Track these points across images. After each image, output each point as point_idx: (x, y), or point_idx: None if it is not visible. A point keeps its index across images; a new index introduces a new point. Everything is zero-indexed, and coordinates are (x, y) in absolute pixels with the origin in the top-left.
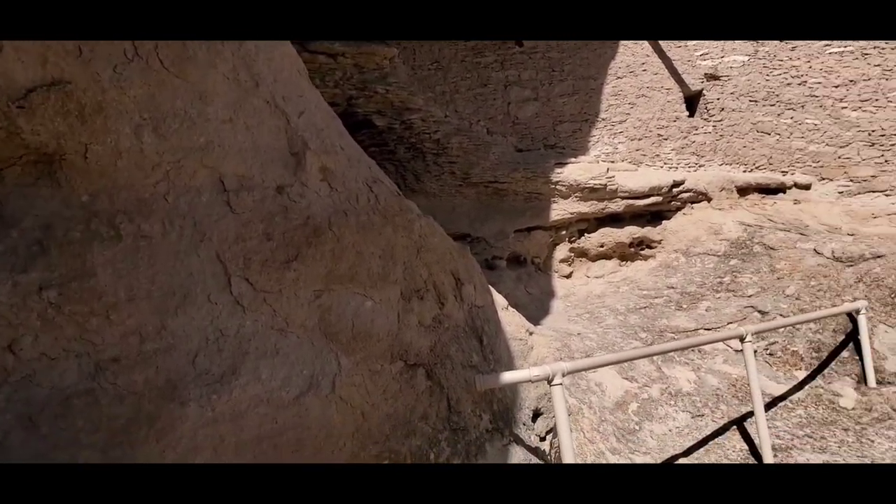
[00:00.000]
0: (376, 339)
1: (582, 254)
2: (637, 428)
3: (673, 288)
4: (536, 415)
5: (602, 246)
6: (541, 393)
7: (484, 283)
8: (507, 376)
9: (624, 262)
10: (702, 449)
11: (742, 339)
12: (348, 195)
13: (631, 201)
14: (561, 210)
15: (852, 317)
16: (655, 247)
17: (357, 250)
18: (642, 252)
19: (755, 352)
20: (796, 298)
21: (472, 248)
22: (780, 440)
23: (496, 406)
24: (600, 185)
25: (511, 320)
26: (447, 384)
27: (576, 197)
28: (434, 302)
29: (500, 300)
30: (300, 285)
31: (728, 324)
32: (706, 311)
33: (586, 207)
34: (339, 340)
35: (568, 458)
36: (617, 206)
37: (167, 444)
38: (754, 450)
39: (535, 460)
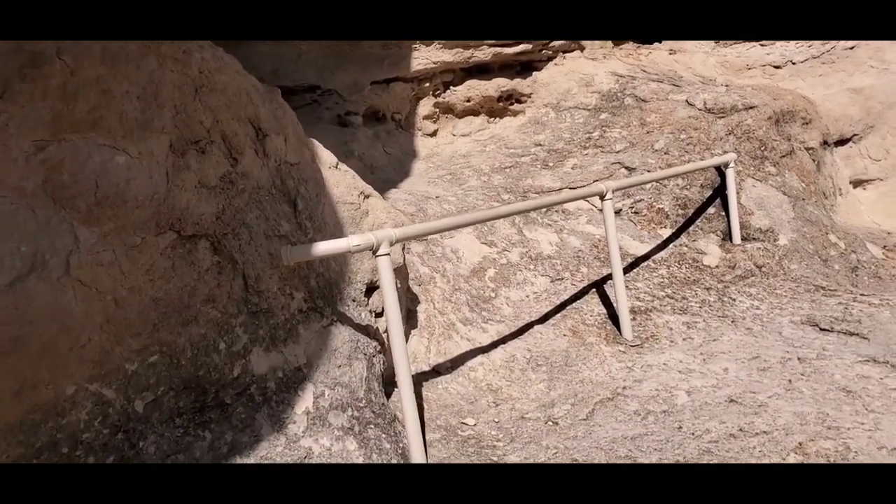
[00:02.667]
0: (134, 204)
1: (448, 109)
2: (493, 295)
3: (541, 145)
4: (372, 289)
5: (469, 100)
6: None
7: (301, 135)
8: (321, 247)
9: (493, 119)
10: (559, 314)
11: (602, 197)
12: None
13: (499, 49)
14: (423, 59)
15: (721, 171)
16: (525, 101)
17: (102, 88)
18: (512, 107)
19: (619, 211)
20: (665, 153)
21: (322, 102)
22: (641, 302)
23: (314, 282)
24: None
25: (340, 180)
26: (242, 259)
27: (439, 44)
28: (223, 157)
29: (326, 157)
30: (11, 133)
31: (594, 181)
32: (572, 168)
33: (451, 56)
34: (76, 207)
35: (396, 336)
36: (484, 54)
37: None
38: (613, 313)
39: (363, 339)
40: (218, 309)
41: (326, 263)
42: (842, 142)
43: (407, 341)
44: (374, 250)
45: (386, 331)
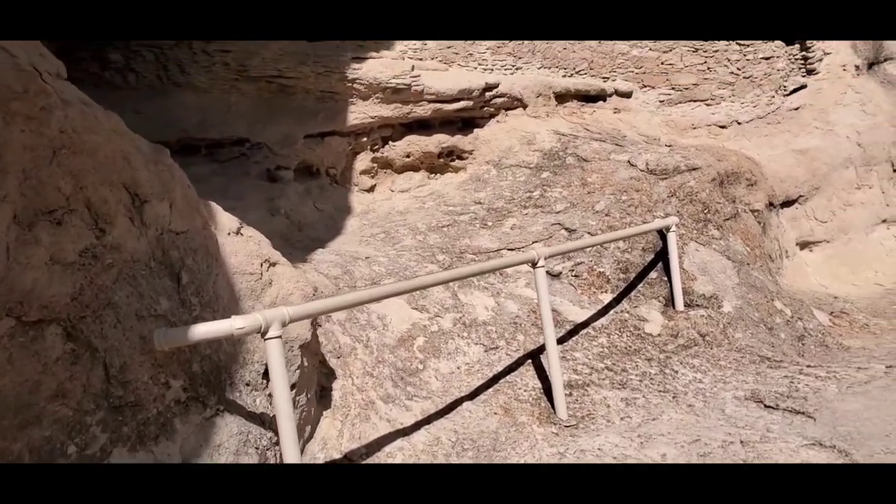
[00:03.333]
0: None
1: (386, 164)
2: (420, 367)
3: (480, 203)
4: None
5: (408, 156)
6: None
7: (192, 199)
8: (199, 330)
9: (433, 175)
10: (491, 389)
11: (534, 265)
12: None
13: (439, 105)
14: (360, 113)
15: (663, 234)
16: (466, 157)
17: None
18: (452, 163)
19: (559, 274)
20: (606, 214)
21: (251, 156)
22: (578, 375)
23: (198, 366)
24: (404, 85)
25: (240, 248)
26: (104, 345)
27: (377, 98)
28: (85, 227)
29: (225, 221)
30: None
31: (533, 242)
32: (511, 229)
33: (389, 111)
34: None
35: (286, 431)
36: (424, 110)
37: None
38: (549, 387)
39: (255, 430)
40: (69, 406)
41: (216, 344)
42: (788, 203)
43: (317, 425)
44: (262, 333)
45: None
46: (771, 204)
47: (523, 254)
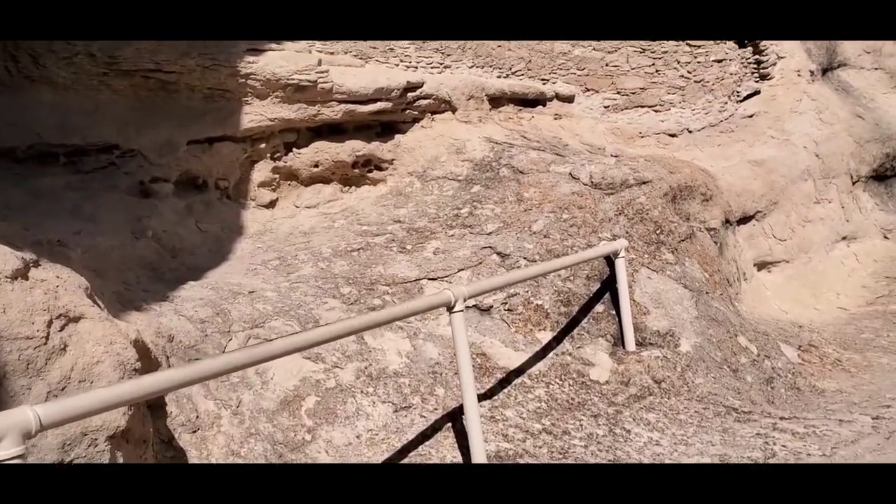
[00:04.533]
0: None
1: (291, 175)
2: (308, 439)
3: (400, 222)
4: None
5: (316, 165)
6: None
7: None
8: None
9: (347, 188)
10: (397, 464)
11: (450, 308)
12: None
13: (352, 106)
14: (257, 115)
15: (610, 260)
16: (386, 168)
17: None
18: (370, 174)
19: (490, 308)
20: (544, 236)
21: (121, 166)
22: (509, 443)
23: None
24: (309, 81)
25: (15, 301)
26: None
27: (277, 97)
28: None
29: None
30: None
31: (458, 271)
32: (434, 253)
33: (292, 112)
34: None
35: None
36: (334, 112)
37: None
38: (470, 460)
39: None
40: None
41: None
42: (744, 220)
43: None
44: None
45: None
46: (727, 221)
47: (435, 296)
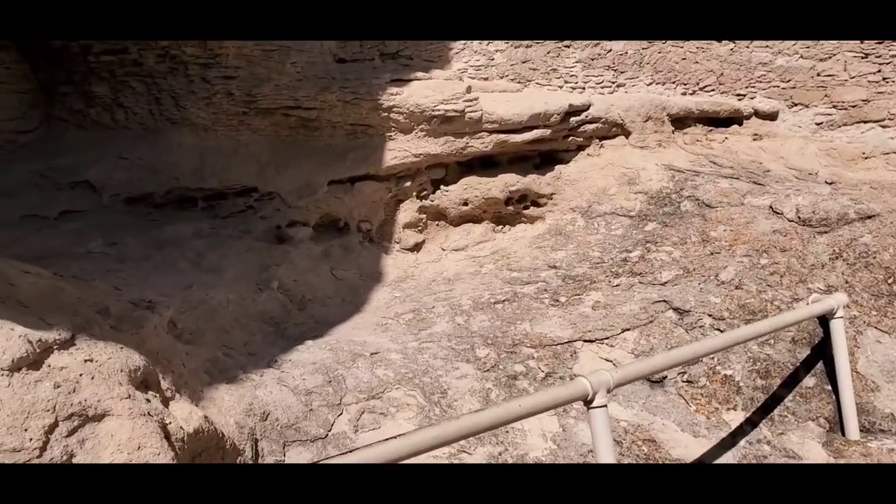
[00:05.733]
0: None
1: (439, 215)
2: None
3: (555, 268)
4: None
5: (465, 203)
6: None
7: None
8: None
9: (501, 227)
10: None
11: (587, 402)
12: None
13: (504, 136)
14: (401, 150)
15: (825, 320)
16: (545, 203)
17: None
18: (526, 211)
19: (663, 380)
20: (736, 287)
21: (259, 209)
22: None
23: None
24: (456, 111)
25: (9, 401)
26: None
27: (422, 131)
28: None
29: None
30: None
31: (622, 331)
32: (593, 308)
33: (439, 146)
34: None
35: None
36: (483, 143)
37: None
38: None
39: None
40: None
41: None
42: None
43: None
44: None
45: None
46: None
47: (564, 387)
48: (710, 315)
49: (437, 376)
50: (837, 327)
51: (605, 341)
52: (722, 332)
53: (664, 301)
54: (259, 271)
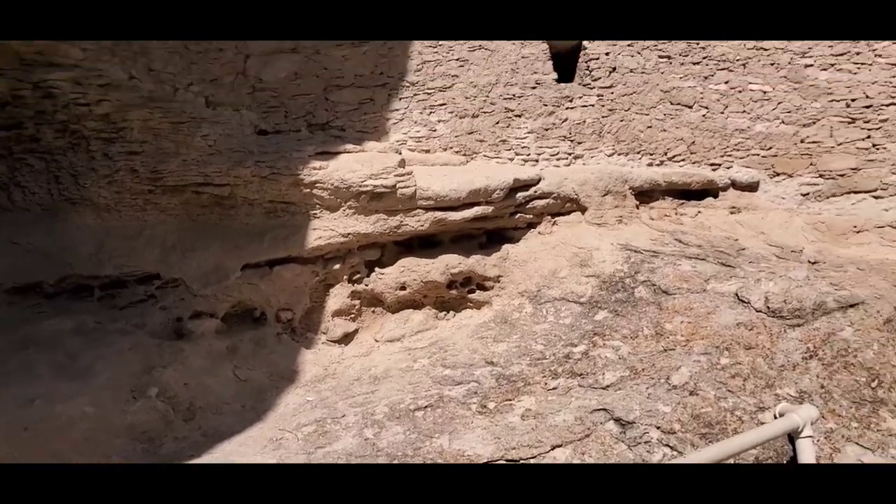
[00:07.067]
0: None
1: (375, 301)
2: None
3: (492, 364)
4: None
5: (404, 287)
6: None
7: None
8: None
9: (445, 314)
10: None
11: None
12: None
13: (442, 214)
14: (328, 230)
15: (791, 438)
16: (492, 287)
17: None
18: (471, 296)
19: None
20: (690, 392)
21: (160, 299)
22: None
23: None
24: (386, 187)
25: None
26: None
27: (350, 208)
28: None
29: None
30: None
31: (552, 448)
32: (522, 417)
33: (370, 225)
34: None
35: None
36: (419, 222)
37: None
38: None
39: None
40: None
41: None
42: None
43: None
44: None
45: None
46: None
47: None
48: (658, 427)
49: None
50: (805, 448)
51: (531, 461)
52: (672, 448)
53: (604, 410)
54: (140, 374)
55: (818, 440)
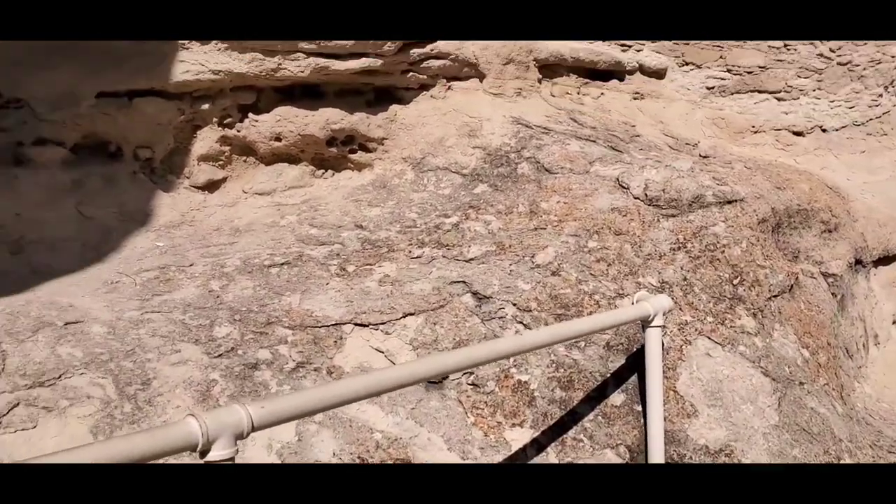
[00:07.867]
0: None
1: (247, 150)
2: None
3: (361, 228)
4: None
5: (279, 139)
6: None
7: None
8: None
9: (323, 172)
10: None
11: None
12: None
13: (325, 61)
14: (198, 65)
15: (643, 326)
16: (375, 149)
17: None
18: (353, 156)
19: (440, 382)
20: (553, 273)
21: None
22: None
23: None
24: None
25: None
26: None
27: (223, 43)
28: None
29: None
30: None
31: (403, 316)
32: (380, 283)
33: (244, 65)
34: None
35: None
36: (298, 67)
37: None
38: None
39: None
40: None
41: None
42: (885, 259)
43: None
44: None
45: None
46: (858, 261)
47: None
48: (514, 304)
49: (145, 360)
50: (653, 337)
51: (381, 327)
52: (526, 325)
53: (463, 282)
54: None
55: (671, 331)
